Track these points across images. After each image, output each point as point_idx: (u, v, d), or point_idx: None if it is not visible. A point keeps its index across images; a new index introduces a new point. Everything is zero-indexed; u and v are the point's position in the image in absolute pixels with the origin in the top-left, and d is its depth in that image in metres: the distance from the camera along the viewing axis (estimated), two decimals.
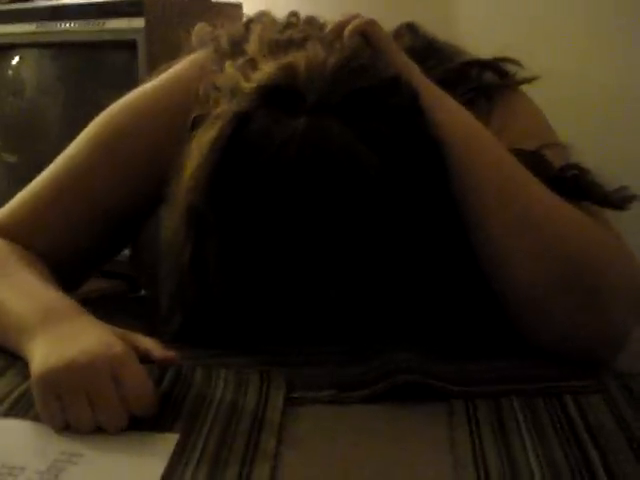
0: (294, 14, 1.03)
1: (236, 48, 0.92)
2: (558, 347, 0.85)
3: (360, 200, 0.79)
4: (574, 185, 0.88)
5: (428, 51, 0.97)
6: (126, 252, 1.08)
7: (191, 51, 1.02)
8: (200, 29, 1.04)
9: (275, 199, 0.79)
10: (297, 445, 0.70)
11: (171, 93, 0.97)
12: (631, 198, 0.88)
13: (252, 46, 0.89)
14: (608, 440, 0.69)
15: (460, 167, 0.86)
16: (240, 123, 0.80)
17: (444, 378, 0.79)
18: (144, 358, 0.75)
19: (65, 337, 0.77)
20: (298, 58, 0.82)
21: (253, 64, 0.85)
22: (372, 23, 0.89)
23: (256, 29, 0.93)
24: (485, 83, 0.97)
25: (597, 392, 0.79)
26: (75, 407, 0.70)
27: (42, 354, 0.75)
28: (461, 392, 0.78)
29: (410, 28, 1.01)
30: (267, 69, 0.82)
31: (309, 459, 0.68)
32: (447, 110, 0.88)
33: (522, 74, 0.99)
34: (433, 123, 0.85)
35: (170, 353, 0.79)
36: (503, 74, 0.98)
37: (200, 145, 0.82)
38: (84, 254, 1.00)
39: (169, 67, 1.02)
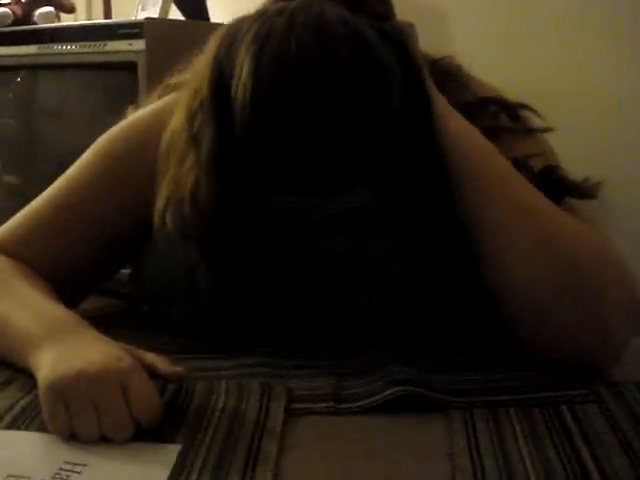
0: None
1: None
2: (554, 355, 0.86)
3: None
4: (554, 182, 0.91)
5: (447, 76, 0.97)
6: (126, 271, 1.09)
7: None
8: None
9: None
10: (297, 454, 0.71)
11: (163, 119, 0.98)
12: (598, 185, 0.91)
13: None
14: (605, 449, 0.70)
15: (470, 185, 0.88)
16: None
17: (442, 389, 0.80)
18: (150, 373, 0.76)
19: (73, 348, 0.78)
20: None
21: None
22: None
23: None
24: (499, 125, 0.97)
25: (592, 402, 0.79)
26: (82, 416, 0.71)
27: (50, 364, 0.76)
28: (459, 403, 0.79)
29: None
30: None
31: (309, 468, 0.69)
32: (458, 122, 0.90)
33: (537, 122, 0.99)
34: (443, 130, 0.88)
35: (177, 368, 0.80)
36: (516, 118, 0.98)
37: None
38: (83, 273, 1.02)
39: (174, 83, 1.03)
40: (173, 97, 1.00)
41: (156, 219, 0.92)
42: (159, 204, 0.92)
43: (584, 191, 0.91)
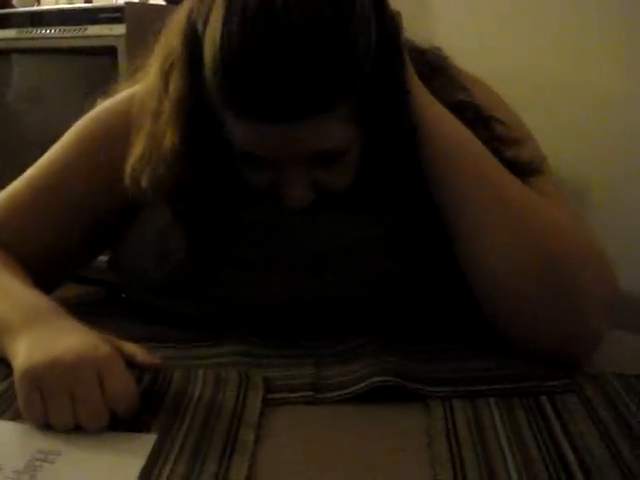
0: None
1: None
2: (531, 346, 0.86)
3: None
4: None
5: (436, 70, 0.97)
6: (105, 258, 1.08)
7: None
8: None
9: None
10: (274, 444, 0.70)
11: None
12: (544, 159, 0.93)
13: None
14: (584, 439, 0.70)
15: (447, 174, 0.88)
16: None
17: (420, 379, 0.80)
18: (129, 363, 0.75)
19: (50, 336, 0.77)
20: None
21: None
22: None
23: None
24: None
25: (572, 392, 0.79)
26: (57, 403, 0.70)
27: (27, 350, 0.75)
28: (438, 392, 0.78)
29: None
30: None
31: (286, 457, 0.69)
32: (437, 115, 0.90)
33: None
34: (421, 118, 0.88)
35: (154, 358, 0.79)
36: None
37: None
38: (60, 257, 1.00)
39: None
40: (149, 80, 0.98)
41: (128, 180, 0.92)
42: (132, 161, 0.92)
43: (533, 169, 0.92)
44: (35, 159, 1.02)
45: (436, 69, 0.97)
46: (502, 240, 0.86)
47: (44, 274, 0.96)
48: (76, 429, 0.70)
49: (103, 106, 1.02)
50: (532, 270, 0.85)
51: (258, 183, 0.91)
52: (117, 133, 0.97)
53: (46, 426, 0.71)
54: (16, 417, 0.73)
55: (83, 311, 0.85)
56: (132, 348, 0.79)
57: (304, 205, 0.90)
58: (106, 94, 1.05)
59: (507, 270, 0.86)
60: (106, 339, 0.77)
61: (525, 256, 0.85)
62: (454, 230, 0.89)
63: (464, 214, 0.88)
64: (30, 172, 1.01)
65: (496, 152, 0.91)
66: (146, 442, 0.69)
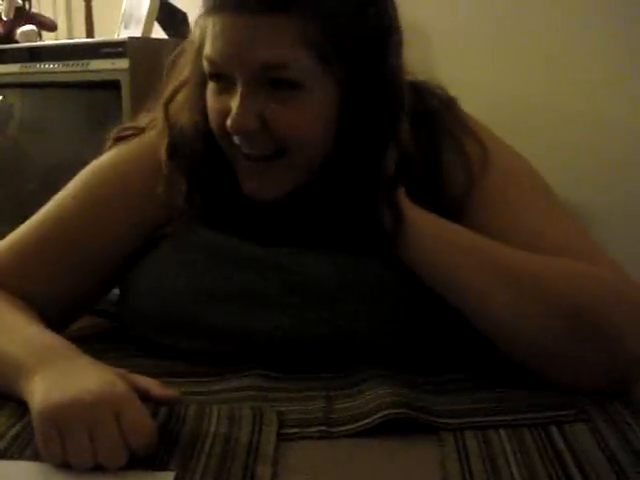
0: None
1: None
2: (572, 386, 0.86)
3: None
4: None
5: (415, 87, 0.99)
6: (116, 291, 1.09)
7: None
8: None
9: None
10: (290, 479, 0.71)
11: (150, 154, 1.00)
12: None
13: None
14: (595, 470, 0.71)
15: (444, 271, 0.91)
16: None
17: (432, 411, 0.81)
18: (144, 397, 0.76)
19: (66, 375, 0.78)
20: None
21: None
22: None
23: None
24: None
25: (581, 421, 0.80)
26: (76, 443, 0.71)
27: (44, 390, 0.76)
28: (449, 425, 0.79)
29: None
30: None
31: None
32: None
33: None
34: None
35: (170, 392, 0.80)
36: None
37: None
38: (69, 300, 1.01)
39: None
40: (156, 133, 1.01)
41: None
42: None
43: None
44: (38, 192, 1.03)
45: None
46: (517, 313, 0.88)
47: (52, 316, 0.96)
48: (94, 468, 0.71)
49: (115, 152, 1.03)
50: (558, 329, 0.86)
51: (217, 118, 0.93)
52: (130, 181, 0.99)
53: (65, 466, 0.71)
54: (34, 457, 0.74)
55: (89, 345, 0.86)
56: (147, 382, 0.79)
57: (246, 129, 0.90)
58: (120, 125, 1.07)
59: (541, 336, 0.87)
60: (121, 375, 0.78)
61: (548, 322, 0.87)
62: (462, 312, 0.91)
63: (470, 298, 0.90)
64: (39, 217, 1.02)
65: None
66: (165, 479, 0.70)
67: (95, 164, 1.03)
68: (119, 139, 1.05)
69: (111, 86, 1.43)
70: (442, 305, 0.92)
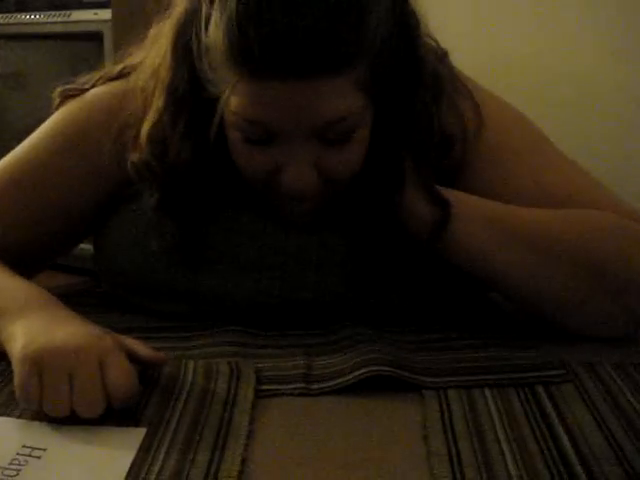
0: None
1: None
2: (588, 334, 0.90)
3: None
4: None
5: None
6: (86, 246, 1.06)
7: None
8: None
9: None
10: (267, 437, 0.69)
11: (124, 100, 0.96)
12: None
13: None
14: (581, 429, 0.69)
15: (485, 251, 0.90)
16: None
17: (415, 369, 0.78)
18: (131, 358, 0.74)
19: (51, 323, 0.76)
20: None
21: None
22: None
23: None
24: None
25: (568, 382, 0.78)
26: (55, 388, 0.69)
27: (29, 334, 0.74)
28: (433, 383, 0.77)
29: None
30: None
31: (279, 450, 0.67)
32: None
33: None
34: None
35: (158, 353, 0.77)
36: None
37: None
38: (38, 247, 0.99)
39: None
40: (133, 79, 0.97)
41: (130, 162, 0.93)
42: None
43: None
44: (18, 143, 1.01)
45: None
46: (544, 277, 0.89)
47: (21, 264, 0.93)
48: (65, 423, 0.69)
49: (87, 98, 1.00)
50: (582, 287, 0.88)
51: (255, 168, 0.88)
52: (98, 126, 0.95)
53: (38, 417, 0.69)
54: (0, 411, 0.72)
55: (67, 303, 0.83)
56: (134, 343, 0.77)
57: (306, 190, 0.87)
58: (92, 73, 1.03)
59: (557, 296, 0.89)
60: (107, 332, 0.76)
61: (575, 283, 0.88)
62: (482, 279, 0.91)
63: (496, 269, 0.90)
64: (8, 160, 0.99)
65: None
66: (135, 436, 0.67)
67: (66, 108, 1.00)
68: (67, 97, 1.01)
69: (94, 37, 1.40)
70: (427, 263, 0.90)
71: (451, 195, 0.89)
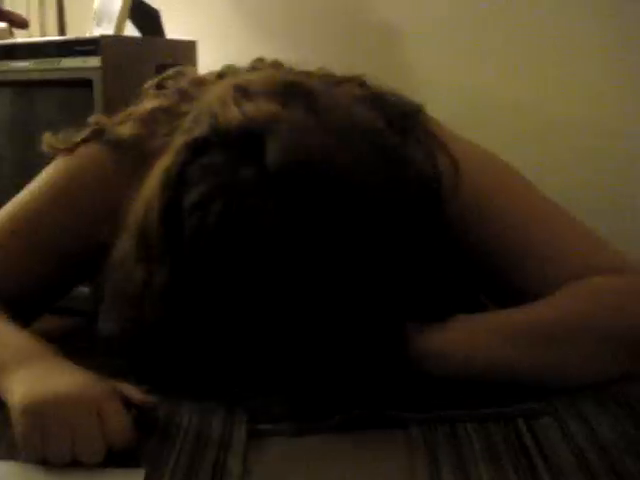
0: (260, 60, 1.06)
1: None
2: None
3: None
4: None
5: (378, 102, 0.95)
6: (84, 289, 1.09)
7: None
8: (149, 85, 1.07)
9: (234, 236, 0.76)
10: (262, 473, 0.72)
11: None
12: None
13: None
14: (559, 464, 0.72)
15: None
16: (196, 151, 0.80)
17: (400, 405, 0.81)
18: (124, 401, 0.77)
19: (48, 373, 0.79)
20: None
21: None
22: None
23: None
24: None
25: (548, 414, 0.81)
26: (57, 438, 0.71)
27: (25, 387, 0.76)
28: (416, 419, 0.80)
29: (361, 84, 1.00)
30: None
31: None
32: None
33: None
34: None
35: (149, 397, 0.80)
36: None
37: (155, 172, 0.83)
38: (34, 294, 1.01)
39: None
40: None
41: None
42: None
43: None
44: (8, 193, 1.04)
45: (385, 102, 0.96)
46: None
47: (21, 310, 0.96)
48: (67, 465, 0.71)
49: (82, 153, 1.03)
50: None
51: None
52: (95, 184, 0.99)
53: (41, 461, 0.72)
54: (4, 456, 0.74)
55: (61, 345, 0.86)
56: (127, 388, 0.80)
57: None
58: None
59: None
60: (102, 379, 0.78)
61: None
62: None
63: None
64: (6, 210, 1.02)
65: None
66: (135, 477, 0.70)
67: (60, 162, 1.03)
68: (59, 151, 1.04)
69: (83, 84, 1.43)
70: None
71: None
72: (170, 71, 1.09)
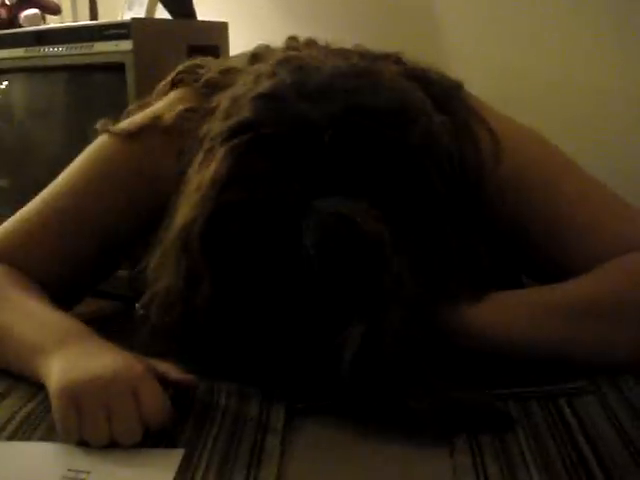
0: (294, 38, 1.05)
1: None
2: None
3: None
4: None
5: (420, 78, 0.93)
6: (123, 272, 1.09)
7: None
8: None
9: (274, 244, 0.76)
10: (301, 453, 0.72)
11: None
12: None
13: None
14: (604, 442, 0.71)
15: None
16: (241, 156, 0.78)
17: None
18: (162, 381, 0.77)
19: (84, 355, 0.79)
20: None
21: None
22: None
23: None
24: None
25: (590, 393, 0.80)
26: (94, 419, 0.72)
27: (62, 369, 0.77)
28: None
29: (397, 61, 0.99)
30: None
31: (313, 467, 0.70)
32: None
33: None
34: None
35: (187, 376, 0.80)
36: None
37: (199, 181, 0.81)
38: (77, 277, 1.02)
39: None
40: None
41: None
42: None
43: None
44: (47, 177, 1.04)
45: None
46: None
47: (62, 293, 0.97)
48: (106, 446, 0.72)
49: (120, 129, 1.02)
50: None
51: None
52: (136, 161, 0.99)
53: (80, 443, 0.72)
54: (45, 437, 0.75)
55: (99, 327, 0.86)
56: (165, 367, 0.80)
57: None
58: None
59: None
60: (139, 358, 0.78)
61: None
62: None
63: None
64: (45, 194, 1.02)
65: None
66: (174, 457, 0.70)
67: (99, 141, 1.03)
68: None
69: (115, 68, 1.43)
70: None
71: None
72: (181, 67, 1.07)
